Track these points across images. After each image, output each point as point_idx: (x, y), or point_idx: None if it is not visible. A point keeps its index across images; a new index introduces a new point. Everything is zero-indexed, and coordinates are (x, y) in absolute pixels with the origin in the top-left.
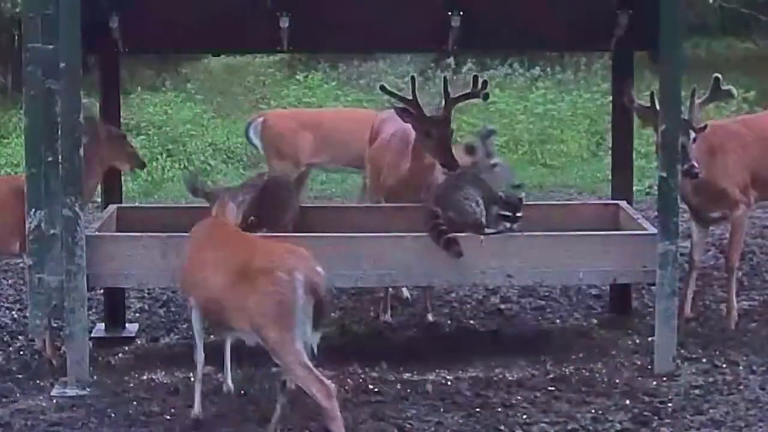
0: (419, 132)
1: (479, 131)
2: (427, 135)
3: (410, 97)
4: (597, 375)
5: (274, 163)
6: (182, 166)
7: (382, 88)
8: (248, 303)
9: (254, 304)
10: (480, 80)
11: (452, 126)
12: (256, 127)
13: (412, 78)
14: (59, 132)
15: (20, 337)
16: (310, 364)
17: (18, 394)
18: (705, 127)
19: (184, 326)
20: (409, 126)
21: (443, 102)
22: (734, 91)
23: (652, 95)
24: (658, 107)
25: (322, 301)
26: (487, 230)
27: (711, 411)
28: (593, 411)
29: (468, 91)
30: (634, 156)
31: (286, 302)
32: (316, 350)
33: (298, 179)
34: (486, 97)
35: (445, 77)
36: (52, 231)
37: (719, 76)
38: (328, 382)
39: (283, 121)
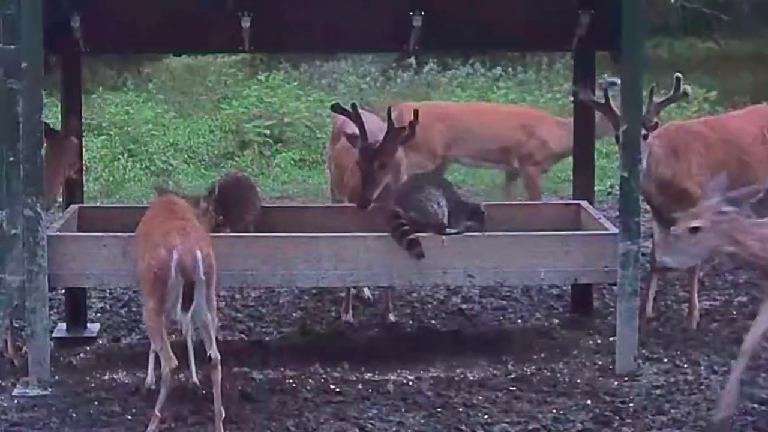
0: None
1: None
2: (357, 163)
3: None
4: (558, 375)
5: (410, 155)
6: (144, 166)
7: (334, 107)
8: (139, 269)
9: (141, 271)
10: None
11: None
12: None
13: (353, 105)
14: (20, 132)
15: None
16: (166, 337)
17: None
18: (656, 125)
19: (145, 326)
20: (374, 126)
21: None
22: (689, 90)
23: (605, 91)
24: (611, 104)
25: (192, 284)
26: (448, 230)
27: (672, 411)
28: (554, 411)
29: (407, 124)
30: (595, 156)
31: (160, 276)
32: (190, 331)
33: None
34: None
35: (389, 108)
36: (13, 231)
37: (680, 75)
38: (174, 360)
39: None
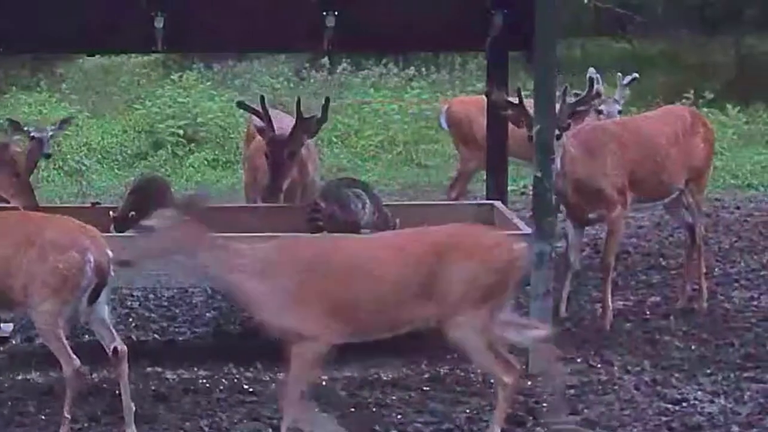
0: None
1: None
2: (265, 154)
3: (264, 112)
4: (472, 375)
5: (462, 149)
6: (57, 166)
7: (239, 104)
8: (34, 274)
9: (41, 276)
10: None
11: (302, 144)
12: (443, 114)
13: (262, 98)
14: None
15: None
16: (64, 338)
17: None
18: (569, 125)
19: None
20: (286, 126)
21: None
22: (602, 90)
23: (518, 92)
24: (524, 104)
25: (105, 280)
26: (363, 231)
27: (586, 411)
28: (468, 411)
29: (317, 115)
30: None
31: (71, 279)
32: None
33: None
34: (324, 119)
35: (298, 98)
36: None
37: (593, 76)
38: (76, 360)
39: (464, 107)
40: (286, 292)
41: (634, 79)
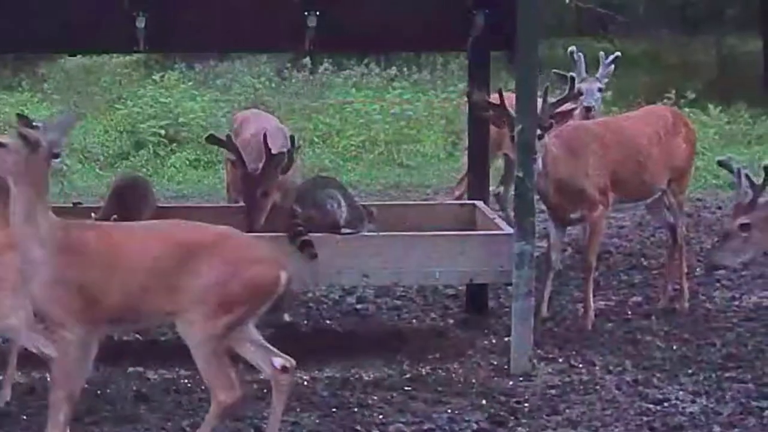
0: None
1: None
2: (242, 191)
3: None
4: (453, 375)
5: None
6: None
7: (209, 139)
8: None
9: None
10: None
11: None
12: None
13: (228, 137)
14: None
15: None
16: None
17: None
18: (551, 125)
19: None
20: (269, 125)
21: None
22: (583, 89)
23: (499, 92)
24: (506, 104)
25: None
26: (343, 230)
27: (567, 411)
28: (449, 411)
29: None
30: (490, 156)
31: None
32: None
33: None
34: (292, 160)
35: (264, 134)
36: None
37: (574, 75)
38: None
39: None
40: (47, 270)
41: (616, 58)
